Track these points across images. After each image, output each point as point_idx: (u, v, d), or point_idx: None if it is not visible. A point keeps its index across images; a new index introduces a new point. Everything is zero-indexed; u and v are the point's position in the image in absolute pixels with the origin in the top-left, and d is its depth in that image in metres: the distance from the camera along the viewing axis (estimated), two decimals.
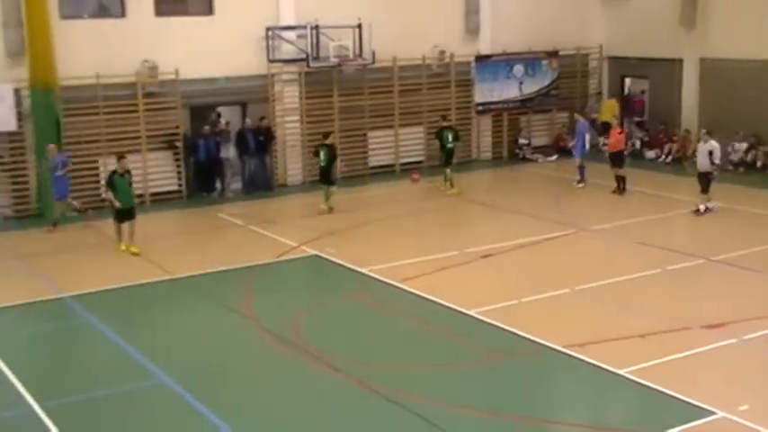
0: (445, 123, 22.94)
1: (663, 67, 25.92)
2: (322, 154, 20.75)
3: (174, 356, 12.61)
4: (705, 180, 19.35)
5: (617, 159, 21.68)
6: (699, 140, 20.39)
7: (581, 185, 22.41)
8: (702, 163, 19.46)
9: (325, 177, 20.72)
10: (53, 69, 20.25)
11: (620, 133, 21.98)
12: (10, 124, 20.21)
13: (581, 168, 22.61)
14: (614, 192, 21.59)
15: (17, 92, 20.26)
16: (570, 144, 24.83)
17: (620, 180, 21.58)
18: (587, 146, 22.77)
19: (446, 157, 22.50)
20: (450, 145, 22.49)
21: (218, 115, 23.16)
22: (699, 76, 25.24)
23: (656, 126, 26.39)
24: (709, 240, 17.67)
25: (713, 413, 10.21)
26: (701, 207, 19.31)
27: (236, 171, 23.10)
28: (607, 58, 28.10)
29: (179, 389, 11.24)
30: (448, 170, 22.35)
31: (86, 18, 21.48)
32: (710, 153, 19.24)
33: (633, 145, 25.34)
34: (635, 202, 20.90)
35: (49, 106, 20.32)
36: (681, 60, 25.56)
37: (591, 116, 27.91)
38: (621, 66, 27.74)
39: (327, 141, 21.01)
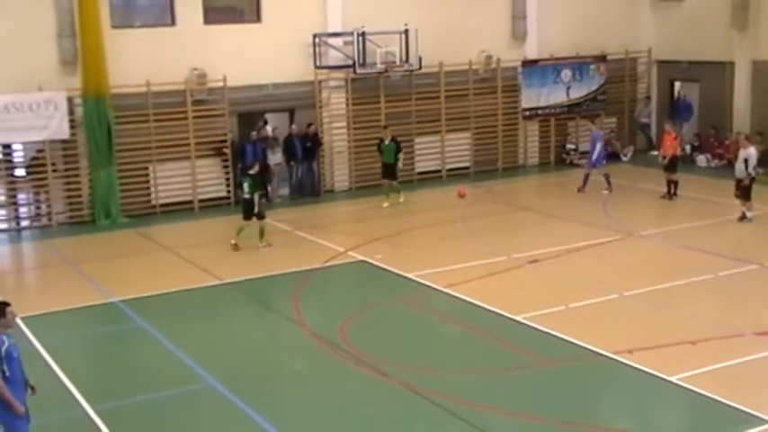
0: (385, 135, 22.04)
1: (714, 70, 25.55)
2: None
3: (223, 360, 12.74)
4: (740, 187, 18.99)
5: (670, 164, 21.42)
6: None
7: (580, 192, 22.32)
8: (739, 169, 19.12)
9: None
10: (105, 78, 20.62)
11: (674, 139, 21.70)
12: (63, 132, 20.61)
13: (587, 177, 22.41)
14: (663, 197, 21.34)
15: (70, 100, 20.66)
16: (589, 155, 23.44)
17: (673, 185, 21.33)
18: (599, 154, 22.42)
19: (385, 171, 21.94)
20: (389, 160, 21.77)
21: (265, 122, 23.37)
22: (751, 79, 24.83)
23: (707, 130, 26.02)
24: (762, 246, 17.35)
25: (766, 421, 10.03)
26: (748, 214, 18.97)
27: (283, 177, 23.27)
28: (656, 62, 27.80)
29: (228, 393, 11.36)
30: (391, 183, 21.92)
31: (137, 27, 21.85)
32: (746, 160, 18.89)
33: (683, 150, 25.00)
34: (685, 208, 20.63)
35: (101, 114, 20.68)
36: (732, 63, 25.18)
37: (640, 121, 27.76)
38: (671, 69, 27.40)
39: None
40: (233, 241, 18.09)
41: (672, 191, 21.34)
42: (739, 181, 19.10)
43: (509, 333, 13.16)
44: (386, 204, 21.52)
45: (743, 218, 19.03)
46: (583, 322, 13.38)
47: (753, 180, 19.01)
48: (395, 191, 21.94)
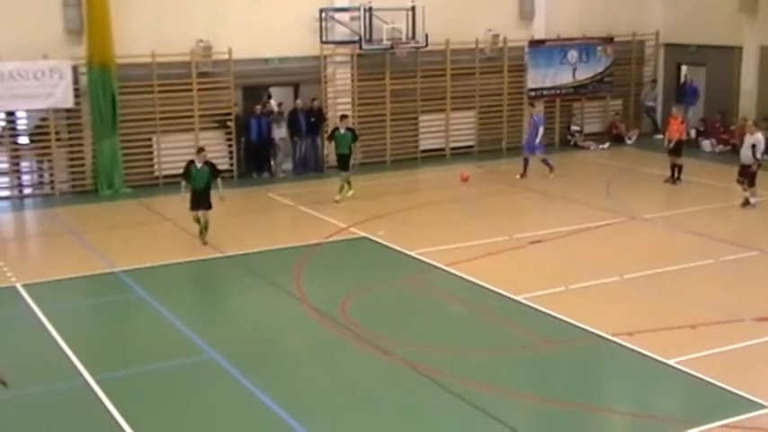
0: (341, 124, 20.25)
1: (721, 54, 25.43)
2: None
3: (223, 333, 12.80)
4: (746, 173, 18.97)
5: (676, 149, 21.36)
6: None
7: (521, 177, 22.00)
8: (745, 155, 19.07)
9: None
10: (110, 47, 20.56)
11: (681, 123, 21.62)
12: (67, 101, 20.58)
13: (526, 162, 22.09)
14: (667, 181, 21.33)
15: (75, 69, 20.60)
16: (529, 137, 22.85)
17: (677, 169, 21.29)
18: (540, 140, 22.13)
19: (339, 162, 20.09)
20: (343, 150, 19.89)
21: (269, 96, 23.29)
22: (759, 64, 24.71)
23: (713, 115, 25.95)
24: (763, 232, 17.38)
25: (764, 406, 10.08)
26: (752, 200, 18.98)
27: (287, 152, 23.23)
28: (663, 45, 27.67)
29: (228, 365, 11.40)
30: (344, 175, 20.01)
31: None
32: (753, 146, 18.84)
33: (689, 134, 24.92)
34: (688, 192, 20.61)
35: (105, 84, 20.63)
36: (740, 48, 25.04)
37: (646, 104, 27.66)
38: (678, 53, 27.27)
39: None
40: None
41: (676, 175, 21.32)
42: (744, 167, 19.05)
43: (509, 313, 13.20)
44: (338, 198, 19.79)
45: (746, 203, 19.02)
46: (583, 304, 13.41)
47: (760, 166, 18.97)
48: (346, 182, 20.03)
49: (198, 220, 16.70)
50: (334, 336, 12.47)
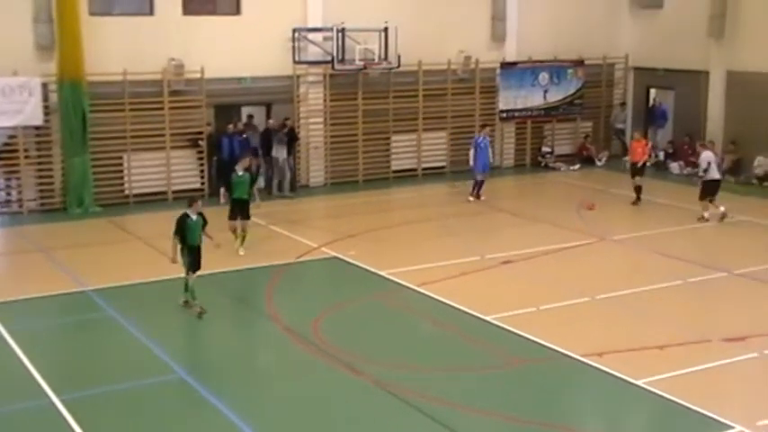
0: (239, 165, 17.25)
1: (689, 78, 25.79)
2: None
3: (194, 352, 12.71)
4: (703, 189, 19.89)
5: (640, 170, 21.65)
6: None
7: (474, 199, 21.91)
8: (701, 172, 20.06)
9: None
10: (81, 65, 20.44)
11: (645, 145, 22.04)
12: (37, 118, 20.40)
13: (482, 183, 22.05)
14: (634, 203, 21.51)
15: (45, 86, 20.46)
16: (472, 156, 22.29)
17: (637, 190, 21.54)
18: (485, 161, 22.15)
19: (238, 208, 17.10)
20: (241, 194, 16.93)
21: (250, 116, 23.20)
22: (725, 88, 25.09)
23: (681, 138, 26.26)
24: (731, 253, 17.56)
25: (731, 427, 10.15)
26: (705, 214, 19.75)
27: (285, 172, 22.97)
28: (633, 69, 28.01)
29: (198, 385, 11.30)
30: (243, 223, 17.31)
31: (115, 15, 21.66)
32: (699, 164, 20.05)
33: (657, 156, 25.24)
34: (657, 213, 20.80)
35: (76, 101, 20.49)
36: (707, 72, 25.42)
37: (615, 126, 27.94)
38: (647, 76, 27.62)
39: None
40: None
41: (638, 195, 21.52)
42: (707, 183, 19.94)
43: (480, 333, 13.21)
44: (241, 251, 17.13)
45: (701, 218, 19.72)
46: (554, 324, 13.46)
47: (702, 181, 19.91)
48: (243, 231, 17.30)
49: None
50: (306, 355, 12.41)
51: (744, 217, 20.10)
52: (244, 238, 17.07)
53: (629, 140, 24.49)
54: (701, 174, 19.96)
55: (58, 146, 20.86)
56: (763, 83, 23.78)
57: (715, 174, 19.81)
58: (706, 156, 19.96)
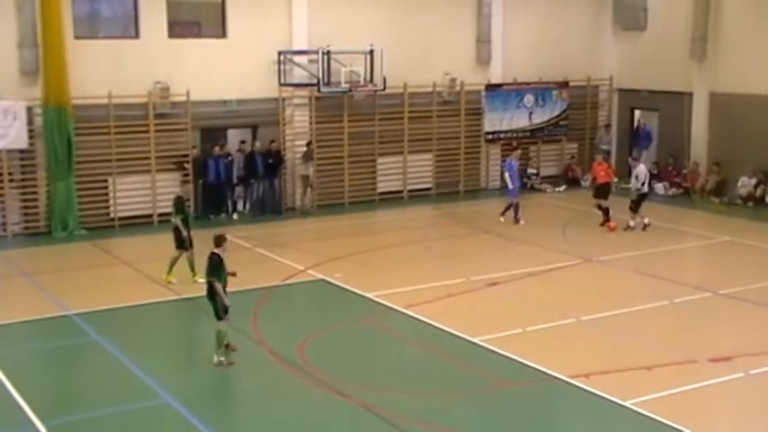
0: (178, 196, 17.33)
1: (673, 100, 25.97)
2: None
3: (179, 376, 12.61)
4: (638, 200, 21.21)
5: (603, 191, 21.83)
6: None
7: (514, 222, 21.85)
8: (633, 185, 21.27)
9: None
10: (66, 88, 20.41)
11: (608, 167, 22.64)
12: (22, 142, 20.34)
13: (518, 205, 21.98)
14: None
15: (30, 110, 20.41)
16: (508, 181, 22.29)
17: (604, 210, 21.56)
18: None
19: (179, 240, 16.76)
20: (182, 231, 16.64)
21: (242, 141, 23.24)
22: (709, 110, 25.29)
23: (666, 159, 26.42)
24: (716, 274, 17.63)
25: None
26: (631, 223, 21.07)
27: (239, 194, 23.09)
28: (617, 90, 28.20)
29: (183, 409, 11.22)
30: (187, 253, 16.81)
31: (101, 38, 21.65)
32: (636, 177, 21.08)
33: (619, 178, 25.09)
34: (642, 234, 20.86)
35: (61, 125, 20.45)
36: (691, 94, 25.62)
37: (600, 147, 28.05)
38: (631, 98, 27.81)
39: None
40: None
41: (606, 217, 21.47)
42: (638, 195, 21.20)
43: (467, 355, 13.19)
44: (172, 279, 16.75)
45: (627, 227, 20.96)
46: (540, 346, 13.45)
47: (640, 194, 21.16)
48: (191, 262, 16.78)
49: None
50: (292, 378, 12.35)
51: (728, 237, 20.23)
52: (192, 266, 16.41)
53: (615, 161, 24.73)
54: (638, 186, 21.02)
55: (42, 169, 20.78)
56: (745, 104, 24.00)
57: (646, 187, 21.25)
58: (642, 169, 21.17)
